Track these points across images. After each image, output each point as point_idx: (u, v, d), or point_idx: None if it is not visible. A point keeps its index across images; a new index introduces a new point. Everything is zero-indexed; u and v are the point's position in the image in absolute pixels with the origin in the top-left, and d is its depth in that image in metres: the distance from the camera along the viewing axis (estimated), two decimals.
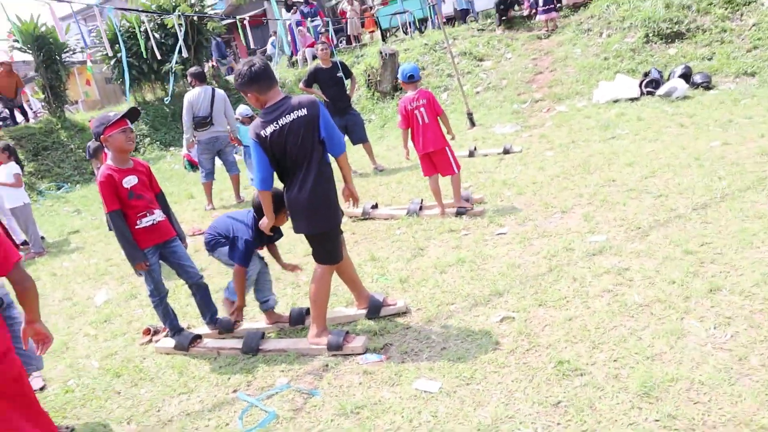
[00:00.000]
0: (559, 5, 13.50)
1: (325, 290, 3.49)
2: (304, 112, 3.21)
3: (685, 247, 3.87)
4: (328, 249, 3.46)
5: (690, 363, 2.68)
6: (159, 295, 3.80)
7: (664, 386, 2.54)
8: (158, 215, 3.69)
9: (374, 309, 3.76)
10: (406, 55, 14.09)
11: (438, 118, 5.54)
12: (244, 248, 3.68)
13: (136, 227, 3.58)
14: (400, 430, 2.64)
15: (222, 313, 4.08)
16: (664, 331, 2.94)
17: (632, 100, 9.31)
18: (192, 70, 7.97)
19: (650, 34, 10.99)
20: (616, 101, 9.45)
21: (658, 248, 3.95)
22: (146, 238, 3.62)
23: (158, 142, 14.81)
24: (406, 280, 4.28)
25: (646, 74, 9.80)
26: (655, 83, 9.40)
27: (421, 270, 4.43)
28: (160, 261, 3.80)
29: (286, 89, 14.52)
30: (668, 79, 9.44)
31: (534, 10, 13.73)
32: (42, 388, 3.80)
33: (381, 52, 13.50)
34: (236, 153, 8.42)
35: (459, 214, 5.50)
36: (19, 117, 14.84)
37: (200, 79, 7.79)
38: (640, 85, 9.50)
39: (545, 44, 12.82)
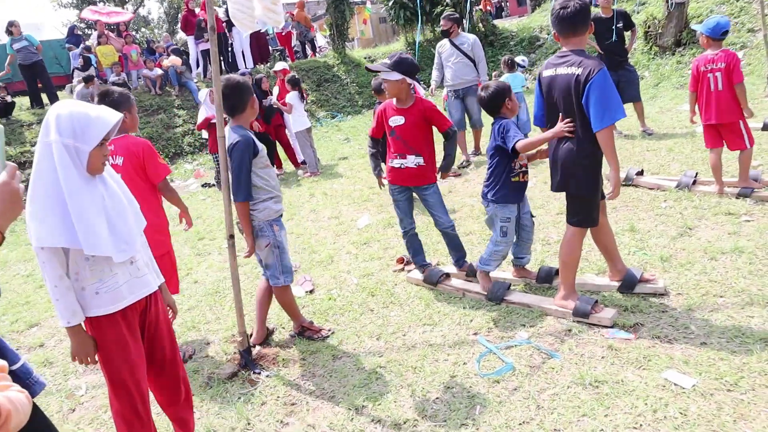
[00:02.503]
0: None
1: (575, 253, 3.40)
2: (576, 70, 3.08)
3: None
4: (585, 211, 3.34)
5: None
6: (404, 229, 4.19)
7: None
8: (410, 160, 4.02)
9: (629, 284, 3.55)
10: (699, 5, 12.31)
11: (735, 86, 4.80)
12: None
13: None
14: (641, 417, 2.51)
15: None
16: None
17: None
18: (445, 15, 7.74)
19: None
20: None
21: None
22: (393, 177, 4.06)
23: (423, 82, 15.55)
24: (667, 259, 3.93)
25: None
26: None
27: (686, 251, 4.02)
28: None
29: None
30: None
31: None
32: (311, 291, 4.46)
33: (667, 1, 12.01)
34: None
35: (742, 195, 4.81)
36: (308, 51, 16.85)
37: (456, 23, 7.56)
38: None
39: None
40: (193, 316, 4.39)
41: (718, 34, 4.82)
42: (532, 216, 3.91)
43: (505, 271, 4.15)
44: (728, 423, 2.39)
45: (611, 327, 3.20)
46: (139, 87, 13.47)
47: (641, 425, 2.47)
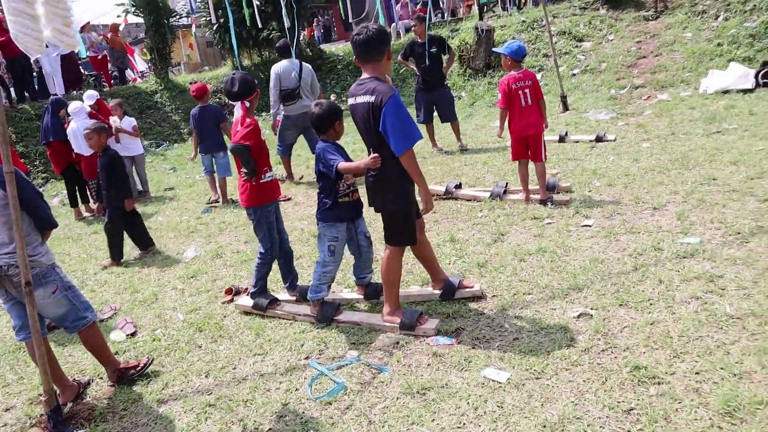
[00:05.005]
0: None
1: (396, 271, 3.51)
2: (370, 99, 3.20)
3: None
4: (401, 230, 3.46)
5: None
6: (273, 255, 4.01)
7: (750, 408, 2.38)
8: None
9: (449, 291, 3.76)
10: (503, 32, 13.68)
11: (539, 101, 5.36)
12: None
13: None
14: (464, 417, 2.64)
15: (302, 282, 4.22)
16: (757, 349, 2.75)
17: (745, 92, 8.61)
18: (278, 43, 7.91)
19: None
20: (726, 92, 8.77)
21: (759, 257, 3.68)
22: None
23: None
24: (483, 265, 4.24)
25: (765, 63, 9.01)
26: None
27: (500, 256, 4.37)
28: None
29: None
30: None
31: None
32: (133, 334, 4.12)
33: (477, 28, 13.19)
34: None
35: (544, 203, 5.35)
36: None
37: (285, 52, 7.64)
38: (757, 76, 8.75)
39: (652, 26, 12.06)
40: None
41: (520, 57, 5.34)
42: (368, 236, 3.94)
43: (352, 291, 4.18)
44: (537, 408, 2.61)
45: (436, 335, 3.35)
46: None
47: (464, 424, 2.60)
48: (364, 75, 3.31)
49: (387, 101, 3.11)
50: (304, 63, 7.73)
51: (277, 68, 7.55)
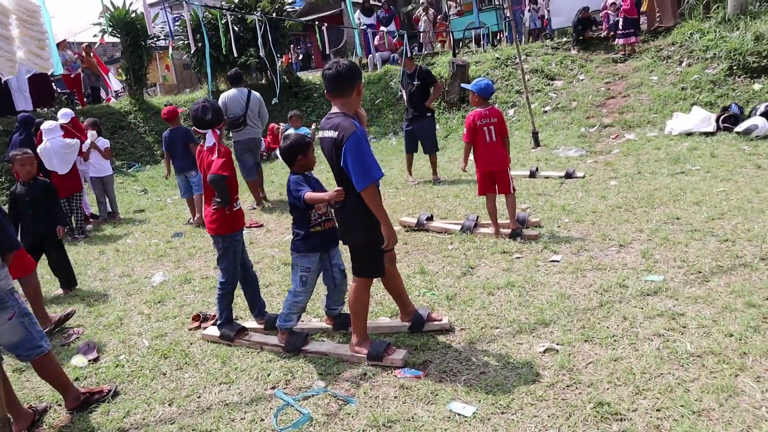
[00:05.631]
0: (639, 30, 13.13)
1: (362, 302, 3.51)
2: (333, 134, 3.25)
3: (749, 298, 3.69)
4: (368, 262, 3.48)
5: (740, 425, 2.56)
6: (234, 284, 3.99)
7: None
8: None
9: (418, 324, 3.77)
10: (477, 67, 14.02)
11: (503, 138, 5.49)
12: None
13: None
14: None
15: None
16: (715, 387, 2.82)
17: (707, 134, 8.96)
18: (230, 72, 8.09)
19: (734, 67, 10.55)
20: (689, 134, 9.12)
21: (718, 296, 3.80)
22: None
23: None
24: (453, 298, 4.27)
25: (725, 109, 9.42)
26: (734, 119, 9.02)
27: (469, 289, 4.41)
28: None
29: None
30: (749, 116, 9.03)
31: (613, 33, 13.41)
32: (95, 360, 4.02)
33: (451, 63, 13.49)
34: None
35: (514, 236, 5.44)
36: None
37: (236, 81, 7.85)
38: (718, 120, 9.14)
39: (621, 68, 12.51)
40: None
41: (487, 94, 5.48)
42: (342, 268, 3.91)
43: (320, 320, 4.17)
44: None
45: (403, 367, 3.35)
46: None
47: None
48: (333, 109, 3.35)
49: (348, 138, 3.14)
50: (253, 92, 7.94)
51: (224, 97, 7.79)
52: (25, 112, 9.80)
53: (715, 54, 11.09)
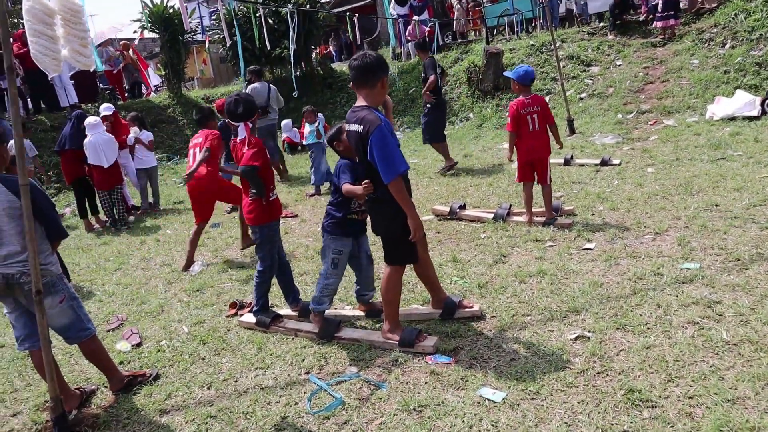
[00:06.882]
0: (679, 12, 12.73)
1: (395, 290, 3.56)
2: (359, 128, 3.27)
3: None
4: (398, 251, 3.52)
5: None
6: (272, 272, 4.10)
7: None
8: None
9: (448, 311, 3.81)
10: (511, 55, 13.85)
11: (548, 126, 5.44)
12: None
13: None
14: None
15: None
16: (751, 375, 2.78)
17: (751, 119, 8.67)
18: (252, 67, 9.44)
19: None
20: (732, 119, 8.84)
21: (758, 284, 3.71)
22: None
23: None
24: (484, 286, 4.29)
25: None
26: None
27: (501, 277, 4.42)
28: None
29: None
30: None
31: (651, 16, 13.05)
32: (139, 344, 4.19)
33: (485, 51, 13.36)
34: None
35: (547, 224, 5.41)
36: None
37: (259, 75, 9.30)
38: (763, 104, 8.82)
39: (660, 52, 12.18)
40: None
41: (528, 81, 5.41)
42: (369, 254, 4.00)
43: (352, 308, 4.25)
44: (531, 428, 2.64)
45: (434, 353, 3.40)
46: None
47: None
48: (358, 101, 3.37)
49: (373, 132, 3.16)
50: (271, 85, 9.31)
51: (250, 89, 8.96)
52: (78, 109, 10.19)
53: (761, 35, 10.69)
